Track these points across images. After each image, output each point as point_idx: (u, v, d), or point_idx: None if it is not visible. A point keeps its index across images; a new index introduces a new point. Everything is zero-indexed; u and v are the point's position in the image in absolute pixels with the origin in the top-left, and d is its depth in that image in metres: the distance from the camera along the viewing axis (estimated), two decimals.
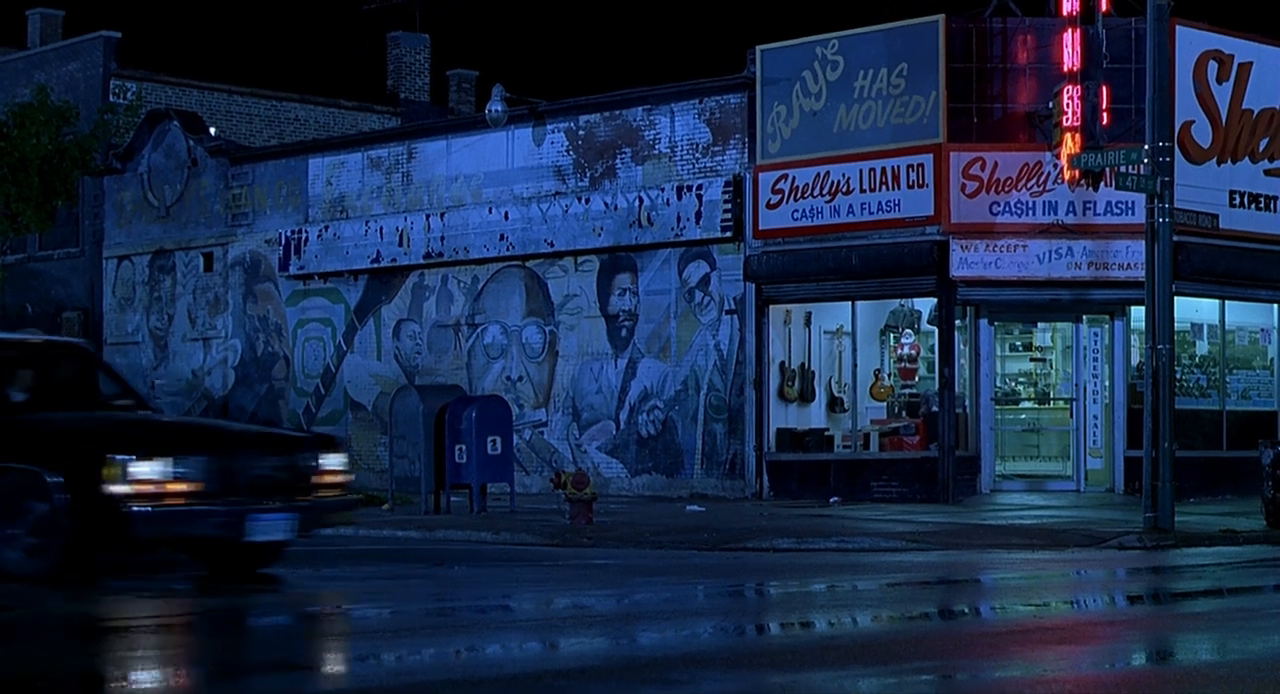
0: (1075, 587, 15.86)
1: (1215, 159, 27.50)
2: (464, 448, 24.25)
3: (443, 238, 32.86)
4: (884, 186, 27.49)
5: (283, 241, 35.63)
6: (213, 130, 39.66)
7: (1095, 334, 27.37)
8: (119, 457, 13.74)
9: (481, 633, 11.40)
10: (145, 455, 13.82)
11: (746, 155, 29.37)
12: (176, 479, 13.83)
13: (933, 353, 27.80)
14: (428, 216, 33.13)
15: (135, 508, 13.69)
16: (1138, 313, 24.92)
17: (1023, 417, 28.38)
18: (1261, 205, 28.12)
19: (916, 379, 28.31)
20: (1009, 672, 10.02)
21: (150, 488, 13.72)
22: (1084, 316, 27.35)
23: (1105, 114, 25.67)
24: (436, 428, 24.49)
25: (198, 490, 13.93)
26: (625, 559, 17.87)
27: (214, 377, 36.96)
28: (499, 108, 31.45)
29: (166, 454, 13.92)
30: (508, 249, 31.96)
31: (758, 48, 29.29)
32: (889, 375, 28.73)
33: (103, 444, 14.04)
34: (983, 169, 26.80)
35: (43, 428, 14.85)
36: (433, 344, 33.38)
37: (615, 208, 30.45)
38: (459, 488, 24.57)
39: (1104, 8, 26.38)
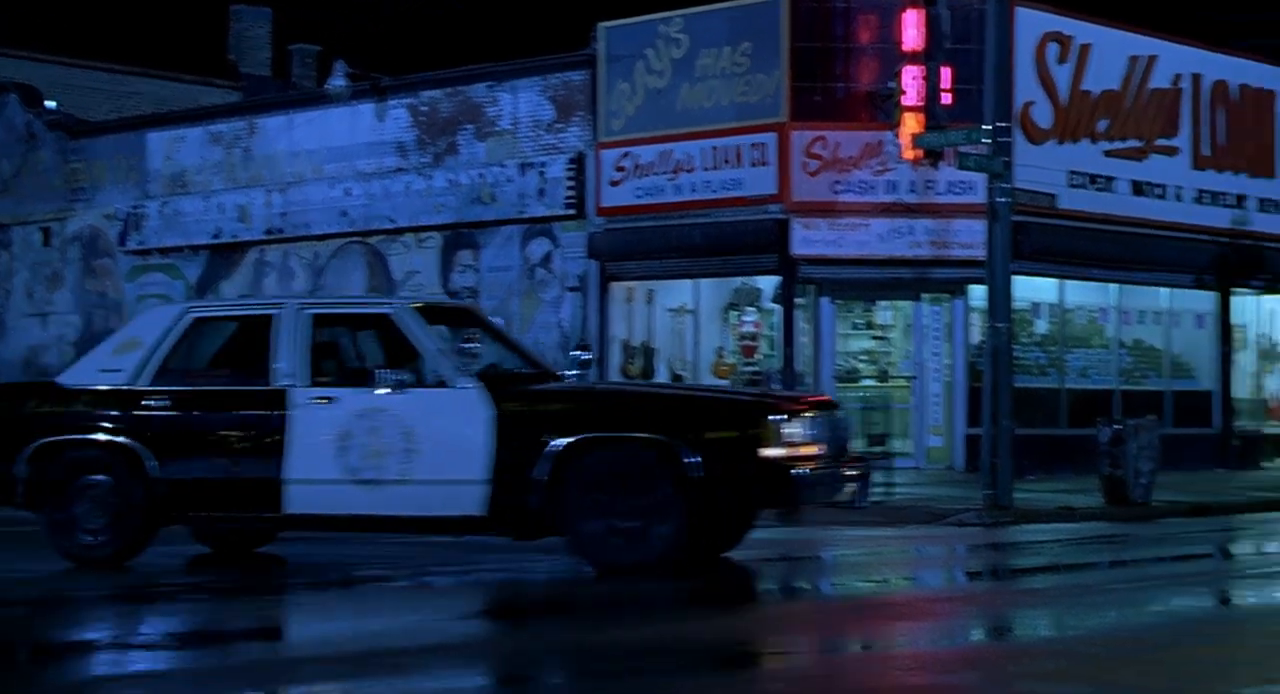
0: (915, 563, 15.93)
1: (1055, 139, 27.78)
2: None
3: (284, 214, 32.56)
4: (727, 165, 27.53)
5: (122, 216, 35.19)
6: (51, 103, 39.05)
7: (936, 313, 27.58)
8: (772, 418, 12.81)
9: None
10: (791, 418, 12.90)
11: (590, 133, 29.29)
12: (812, 442, 12.98)
13: (775, 331, 27.89)
14: (269, 192, 32.82)
15: (795, 472, 12.78)
16: (978, 291, 25.11)
17: (864, 394, 28.53)
18: (1101, 186, 28.43)
19: (758, 357, 28.39)
20: (848, 648, 10.03)
21: (801, 451, 12.83)
22: (925, 295, 27.53)
23: (947, 94, 25.81)
24: None
25: (823, 453, 13.10)
26: None
27: (51, 353, 36.40)
28: (341, 82, 31.21)
29: (798, 415, 13.00)
30: (349, 225, 31.74)
31: (601, 25, 29.24)
32: (731, 353, 28.79)
33: (750, 409, 13.22)
34: (825, 148, 26.91)
35: (608, 397, 14.35)
36: None
37: (458, 184, 30.30)
38: None
39: None
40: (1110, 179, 28.56)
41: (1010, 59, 23.87)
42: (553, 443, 12.80)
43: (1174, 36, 30.05)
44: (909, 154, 25.19)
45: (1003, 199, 20.52)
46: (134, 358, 13.93)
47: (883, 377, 28.41)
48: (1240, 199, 30.52)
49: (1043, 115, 27.59)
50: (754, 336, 28.54)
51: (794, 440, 12.78)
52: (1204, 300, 30.59)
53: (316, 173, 32.32)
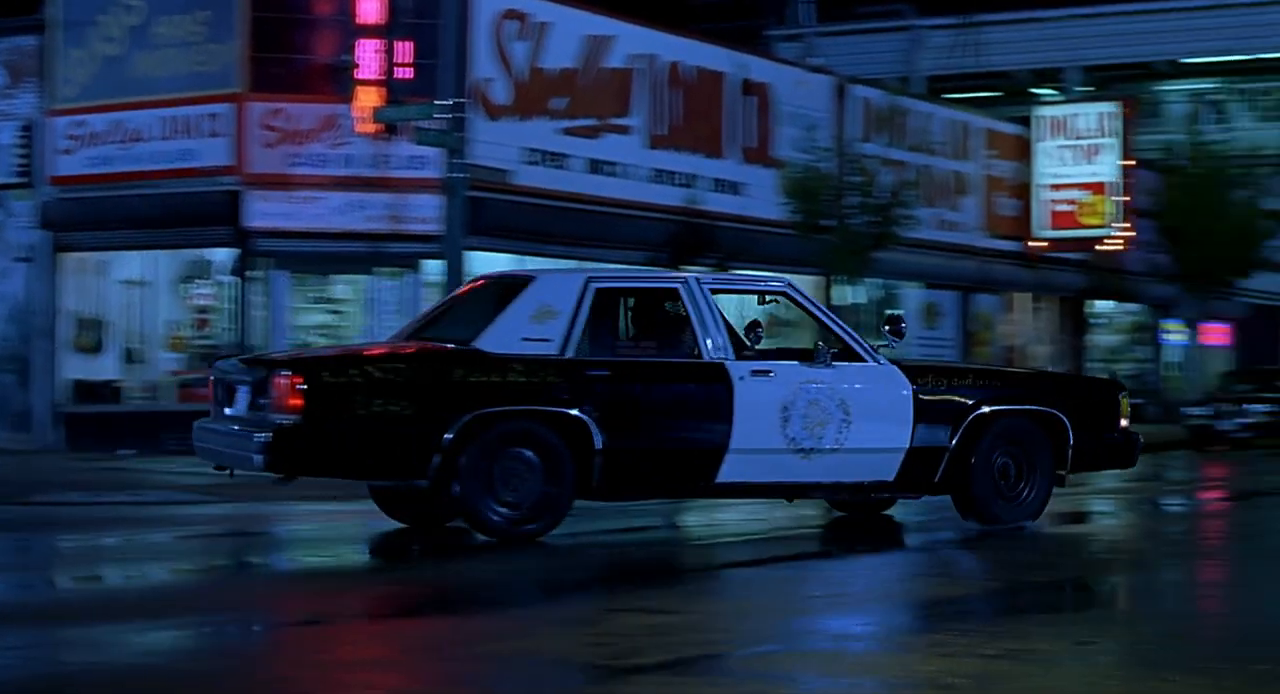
0: (369, 537, 15.89)
1: (513, 116, 28.04)
2: None
3: None
4: (182, 135, 27.02)
5: None
6: None
7: (392, 287, 27.57)
8: (1123, 395, 15.79)
9: None
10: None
11: (42, 100, 28.40)
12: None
13: (231, 304, 27.49)
14: None
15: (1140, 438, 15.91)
16: (434, 266, 25.20)
17: None
18: (557, 163, 28.83)
19: (213, 330, 27.95)
20: (300, 618, 9.95)
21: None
22: (381, 269, 27.51)
23: (405, 69, 25.77)
24: None
25: None
26: None
27: None
28: None
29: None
30: None
31: None
32: (185, 326, 28.28)
33: (1109, 387, 16.36)
34: (283, 120, 26.63)
35: (1002, 376, 16.06)
36: None
37: None
38: None
39: None
40: (567, 157, 28.99)
41: (467, 35, 24.04)
42: (961, 416, 14.56)
43: (631, 18, 30.64)
44: (366, 128, 25.09)
45: (458, 174, 20.66)
46: (557, 327, 13.68)
47: None
48: (692, 178, 31.32)
49: (500, 92, 27.83)
50: (209, 310, 28.09)
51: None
52: None
53: None
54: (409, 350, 13.76)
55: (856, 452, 14.25)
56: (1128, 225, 39.36)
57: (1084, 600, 11.52)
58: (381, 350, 14.11)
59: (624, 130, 30.04)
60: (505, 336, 13.55)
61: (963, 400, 14.64)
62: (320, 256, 27.35)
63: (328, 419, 12.94)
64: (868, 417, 14.28)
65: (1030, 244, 40.18)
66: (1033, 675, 8.12)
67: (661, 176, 30.71)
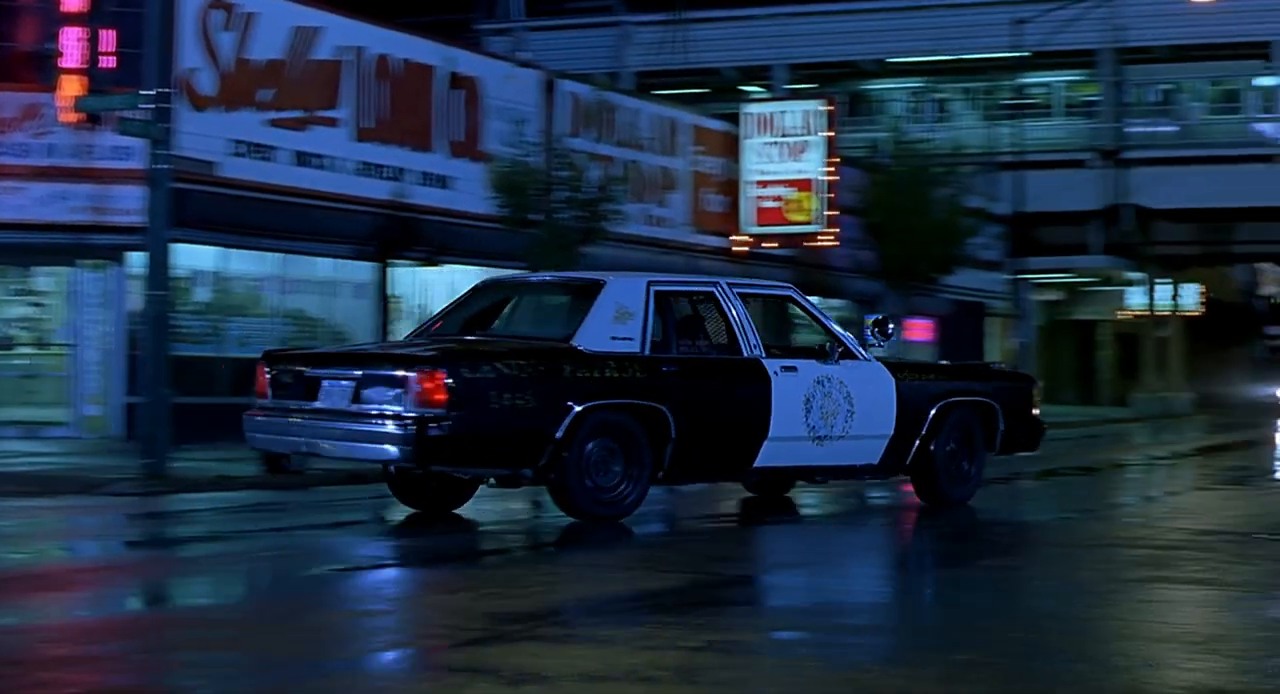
0: (64, 534, 15.61)
1: (220, 107, 27.67)
2: None
3: None
4: None
5: None
6: None
7: (95, 279, 27.06)
8: (1035, 387, 18.51)
9: None
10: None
11: None
12: None
13: None
14: None
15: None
16: (138, 258, 24.78)
17: (21, 362, 27.74)
18: (264, 155, 28.50)
19: None
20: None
21: None
22: (84, 261, 26.98)
23: (109, 57, 25.27)
24: None
25: None
26: None
27: None
28: None
29: None
30: None
31: None
32: None
33: (1026, 380, 18.86)
34: None
35: (957, 370, 18.26)
36: None
37: None
38: None
39: None
40: (273, 149, 28.68)
41: (173, 24, 23.65)
42: (930, 405, 16.73)
43: (340, 10, 30.41)
44: (69, 117, 24.60)
45: (162, 166, 20.29)
46: (634, 327, 15.05)
47: (41, 344, 27.69)
48: (400, 172, 31.17)
49: (206, 83, 27.45)
50: None
51: None
52: (364, 271, 31.11)
53: None
54: (525, 348, 14.77)
55: (857, 438, 16.24)
56: (833, 222, 40.05)
57: (787, 592, 11.72)
58: (502, 348, 14.75)
59: (332, 123, 29.81)
60: (596, 336, 14.84)
61: (931, 392, 16.85)
62: (22, 248, 26.76)
63: (466, 412, 13.85)
64: (865, 407, 16.24)
65: (737, 240, 40.67)
66: (733, 667, 8.26)
67: (369, 169, 30.53)
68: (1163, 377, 62.56)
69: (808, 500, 18.67)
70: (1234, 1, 55.20)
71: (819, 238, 40.34)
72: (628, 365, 14.79)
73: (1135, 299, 65.96)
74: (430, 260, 32.09)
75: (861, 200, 38.55)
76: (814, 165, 40.06)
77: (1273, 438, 37.98)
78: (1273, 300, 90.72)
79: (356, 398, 14.37)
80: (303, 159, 29.14)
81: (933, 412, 16.78)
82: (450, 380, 13.78)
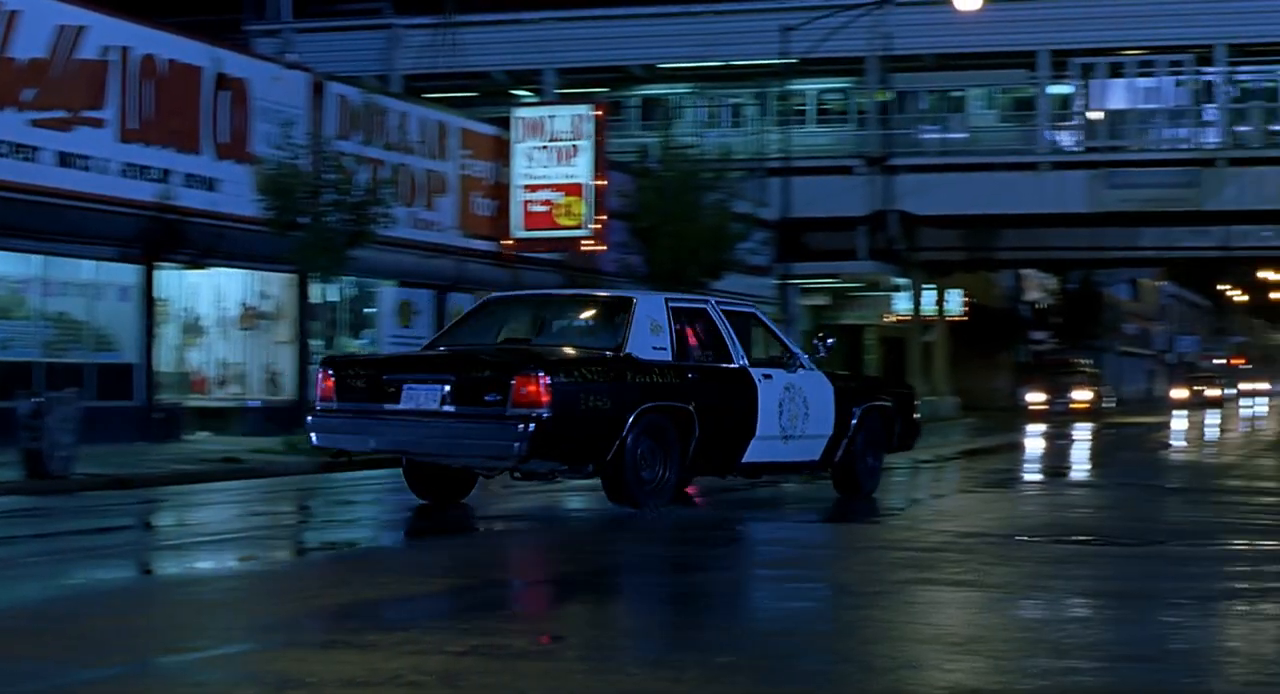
0: None
1: None
2: None
3: None
4: None
5: None
6: None
7: None
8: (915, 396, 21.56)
9: None
10: None
11: None
12: None
13: None
14: None
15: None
16: None
17: None
18: (26, 155, 27.96)
19: None
20: None
21: None
22: None
23: None
24: None
25: None
26: None
27: None
28: None
29: None
30: None
31: None
32: None
33: (910, 389, 21.96)
34: None
35: (871, 380, 23.00)
36: None
37: None
38: None
39: None
40: (36, 149, 28.13)
41: None
42: (855, 409, 19.11)
43: (105, 9, 29.92)
44: None
45: None
46: (665, 339, 17.02)
47: None
48: (166, 173, 30.73)
49: None
50: None
51: None
52: (129, 273, 30.64)
53: None
54: (599, 356, 16.48)
55: (810, 437, 18.53)
56: (602, 227, 40.19)
57: (553, 596, 11.76)
58: (585, 354, 16.59)
59: (97, 123, 29.32)
60: (642, 346, 16.74)
61: (856, 398, 19.23)
62: None
63: (562, 413, 15.51)
64: (814, 411, 18.53)
65: (506, 244, 40.67)
66: (497, 671, 8.27)
67: (135, 171, 30.07)
68: (928, 380, 63.54)
69: (574, 504, 18.75)
70: (999, 12, 56.26)
71: (588, 242, 40.48)
72: (667, 372, 16.83)
73: (901, 304, 67.01)
74: (196, 263, 31.70)
75: (631, 205, 38.69)
76: (583, 170, 40.19)
77: (1030, 441, 38.85)
78: (1037, 306, 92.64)
79: (450, 400, 15.91)
80: (66, 160, 28.63)
81: (857, 415, 19.10)
82: (551, 383, 15.44)
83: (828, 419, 18.78)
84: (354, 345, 36.40)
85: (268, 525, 16.39)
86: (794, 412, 18.26)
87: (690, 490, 19.32)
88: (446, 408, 15.90)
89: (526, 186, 40.50)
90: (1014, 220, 60.82)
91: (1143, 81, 58.80)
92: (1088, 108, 59.82)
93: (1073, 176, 58.05)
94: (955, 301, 72.66)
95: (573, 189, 40.23)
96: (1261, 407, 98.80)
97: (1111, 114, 59.48)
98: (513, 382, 15.45)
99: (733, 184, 40.79)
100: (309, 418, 17.20)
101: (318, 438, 17.06)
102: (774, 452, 18.18)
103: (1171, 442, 42.70)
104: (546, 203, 40.45)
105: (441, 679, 7.97)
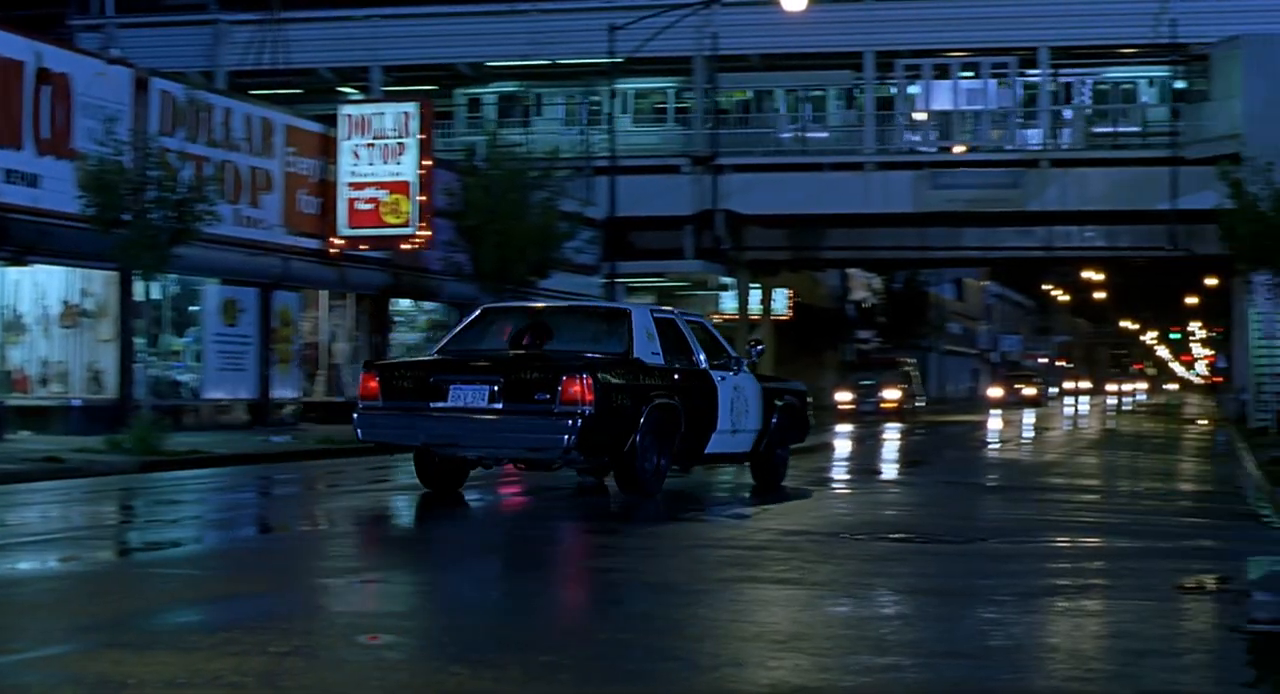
0: None
1: None
2: None
3: None
4: None
5: None
6: None
7: None
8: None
9: None
10: None
11: None
12: None
13: None
14: None
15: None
16: None
17: None
18: None
19: None
20: None
21: None
22: None
23: None
24: None
25: None
26: None
27: None
28: None
29: None
30: None
31: None
32: None
33: (803, 389, 23.20)
34: None
35: (782, 380, 23.77)
36: None
37: None
38: None
39: None
40: None
41: None
42: (778, 403, 21.34)
43: None
44: None
45: None
46: (657, 345, 19.11)
47: None
48: None
49: None
50: None
51: None
52: None
53: None
54: (619, 360, 18.43)
55: (747, 431, 20.65)
56: (427, 224, 40.05)
57: (377, 596, 11.70)
58: (607, 358, 18.43)
59: None
60: (644, 351, 18.81)
61: (775, 397, 21.35)
62: None
63: (601, 410, 17.45)
64: (751, 407, 20.69)
65: (332, 242, 40.41)
66: (319, 671, 8.23)
67: None
68: None
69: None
70: (825, 13, 56.72)
71: (413, 240, 40.32)
72: (664, 373, 18.96)
73: (728, 303, 67.34)
74: (18, 260, 31.22)
75: (458, 203, 38.58)
76: (409, 168, 40.04)
77: (840, 442, 39.22)
78: (863, 305, 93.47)
79: (497, 398, 17.64)
80: None
81: (776, 411, 21.26)
82: (594, 382, 17.37)
83: (758, 415, 20.94)
84: (178, 344, 36.03)
85: (89, 525, 16.18)
86: (740, 408, 20.39)
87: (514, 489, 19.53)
88: (495, 405, 17.61)
89: (352, 184, 40.27)
90: (840, 220, 61.32)
91: (967, 83, 59.52)
92: (913, 109, 60.45)
93: (898, 177, 58.62)
94: (781, 301, 73.14)
95: (399, 187, 40.05)
96: (1083, 405, 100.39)
97: (936, 115, 60.15)
98: (560, 382, 17.34)
99: (559, 183, 40.77)
100: (355, 415, 18.56)
101: (364, 433, 18.50)
102: (725, 444, 20.23)
103: (987, 441, 43.24)
104: (372, 201, 40.23)
105: (262, 679, 7.92)
